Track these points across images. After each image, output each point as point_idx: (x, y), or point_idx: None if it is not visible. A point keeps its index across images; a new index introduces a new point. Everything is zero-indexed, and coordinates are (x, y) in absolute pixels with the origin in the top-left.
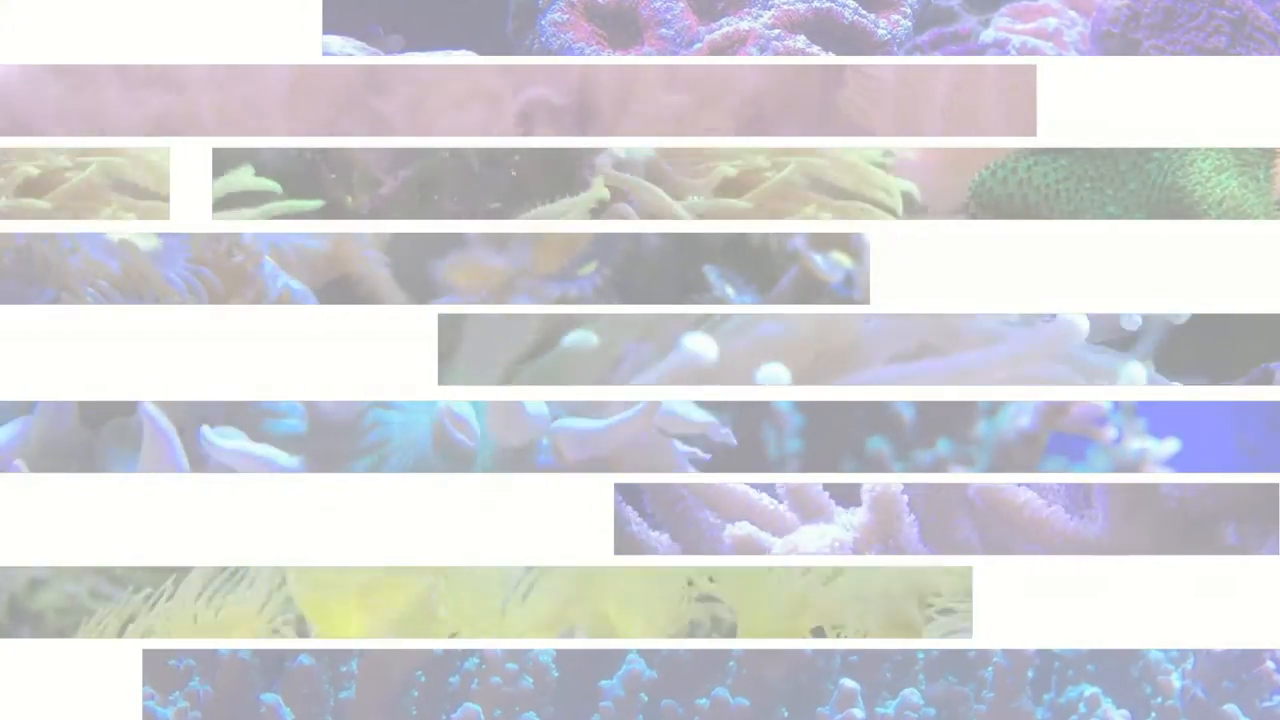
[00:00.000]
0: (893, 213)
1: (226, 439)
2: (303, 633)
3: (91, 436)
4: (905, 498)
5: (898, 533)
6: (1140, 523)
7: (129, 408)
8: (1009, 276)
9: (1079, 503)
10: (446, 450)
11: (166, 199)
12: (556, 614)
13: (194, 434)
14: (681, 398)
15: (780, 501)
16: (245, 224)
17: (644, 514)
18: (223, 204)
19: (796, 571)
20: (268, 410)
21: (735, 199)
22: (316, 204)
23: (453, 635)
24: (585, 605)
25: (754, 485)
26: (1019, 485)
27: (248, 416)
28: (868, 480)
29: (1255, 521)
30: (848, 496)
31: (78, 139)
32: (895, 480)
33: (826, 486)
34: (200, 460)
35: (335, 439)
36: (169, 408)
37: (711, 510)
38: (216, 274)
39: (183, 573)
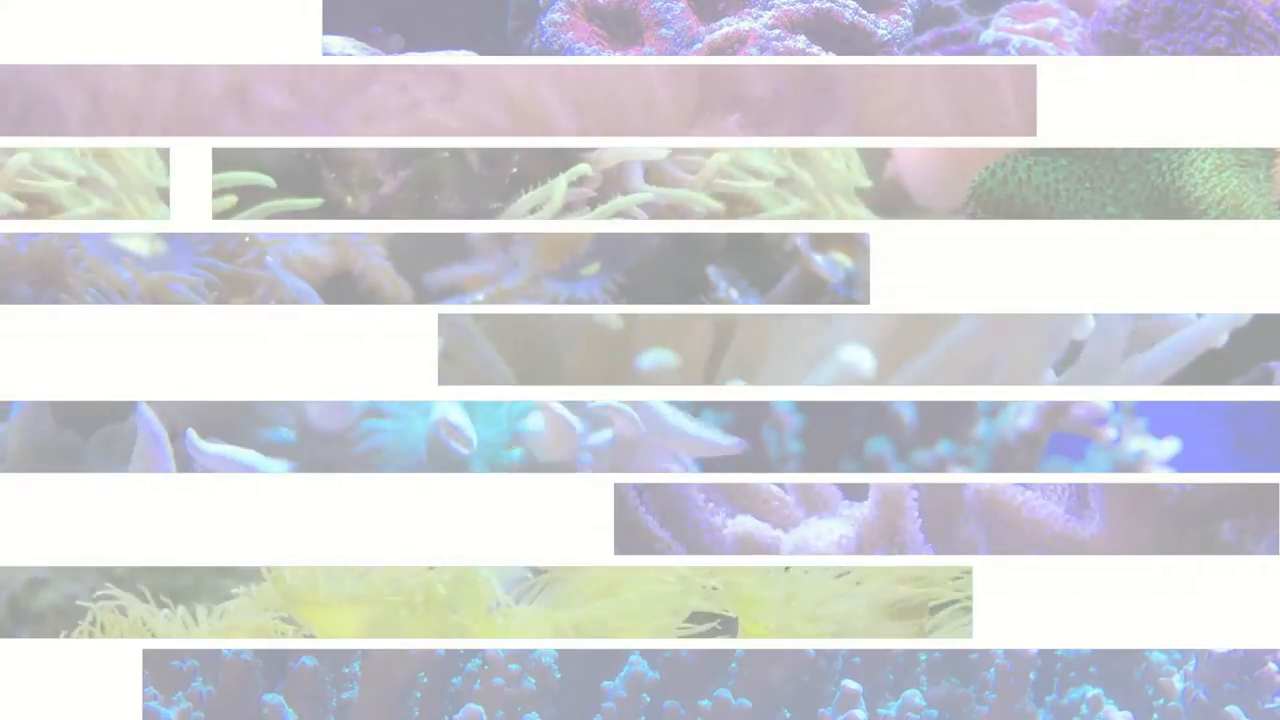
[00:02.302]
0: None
1: (212, 445)
2: (300, 634)
3: (81, 442)
4: (915, 494)
5: (903, 532)
6: (1139, 523)
7: (121, 412)
8: (1009, 276)
9: (1080, 502)
10: (441, 460)
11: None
12: (558, 614)
13: (181, 439)
14: (680, 397)
15: (787, 495)
16: (245, 224)
17: (648, 512)
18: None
19: (798, 571)
20: (260, 418)
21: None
22: (315, 202)
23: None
24: (586, 605)
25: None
26: (1017, 485)
27: (239, 426)
28: (873, 479)
29: (1255, 521)
30: (852, 495)
31: (77, 139)
32: (903, 480)
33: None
34: (186, 465)
35: (327, 448)
36: (162, 411)
37: (717, 503)
38: (221, 275)
39: (182, 572)
